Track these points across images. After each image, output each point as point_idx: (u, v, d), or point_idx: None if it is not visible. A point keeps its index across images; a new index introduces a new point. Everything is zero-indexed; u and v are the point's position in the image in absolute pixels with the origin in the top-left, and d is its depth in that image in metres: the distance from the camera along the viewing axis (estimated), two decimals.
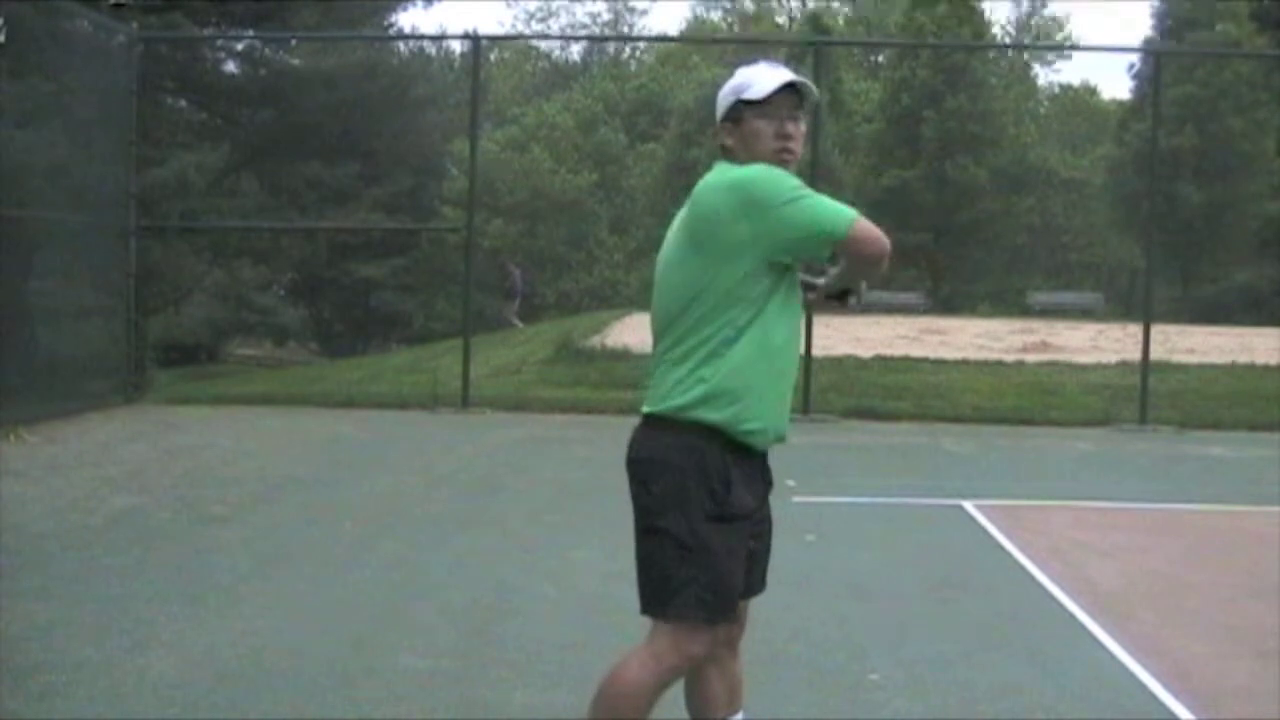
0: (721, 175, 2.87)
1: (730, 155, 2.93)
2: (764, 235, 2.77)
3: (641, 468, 2.89)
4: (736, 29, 57.16)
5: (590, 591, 5.28)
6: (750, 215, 2.77)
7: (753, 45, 34.47)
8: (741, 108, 2.90)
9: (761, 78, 2.90)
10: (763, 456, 2.94)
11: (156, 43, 14.05)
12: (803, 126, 2.93)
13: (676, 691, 3.02)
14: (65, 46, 11.19)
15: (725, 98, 2.94)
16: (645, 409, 2.93)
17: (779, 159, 2.87)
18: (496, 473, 8.41)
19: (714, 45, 48.41)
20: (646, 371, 3.02)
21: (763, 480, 2.97)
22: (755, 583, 3.03)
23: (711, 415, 2.82)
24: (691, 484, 2.81)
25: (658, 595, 2.86)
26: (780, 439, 2.93)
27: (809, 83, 2.93)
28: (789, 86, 2.88)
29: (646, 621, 2.91)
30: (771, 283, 2.83)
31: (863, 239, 2.76)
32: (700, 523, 2.81)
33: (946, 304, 33.30)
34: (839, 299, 3.01)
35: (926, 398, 12.18)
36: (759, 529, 2.98)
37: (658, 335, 2.94)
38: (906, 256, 32.29)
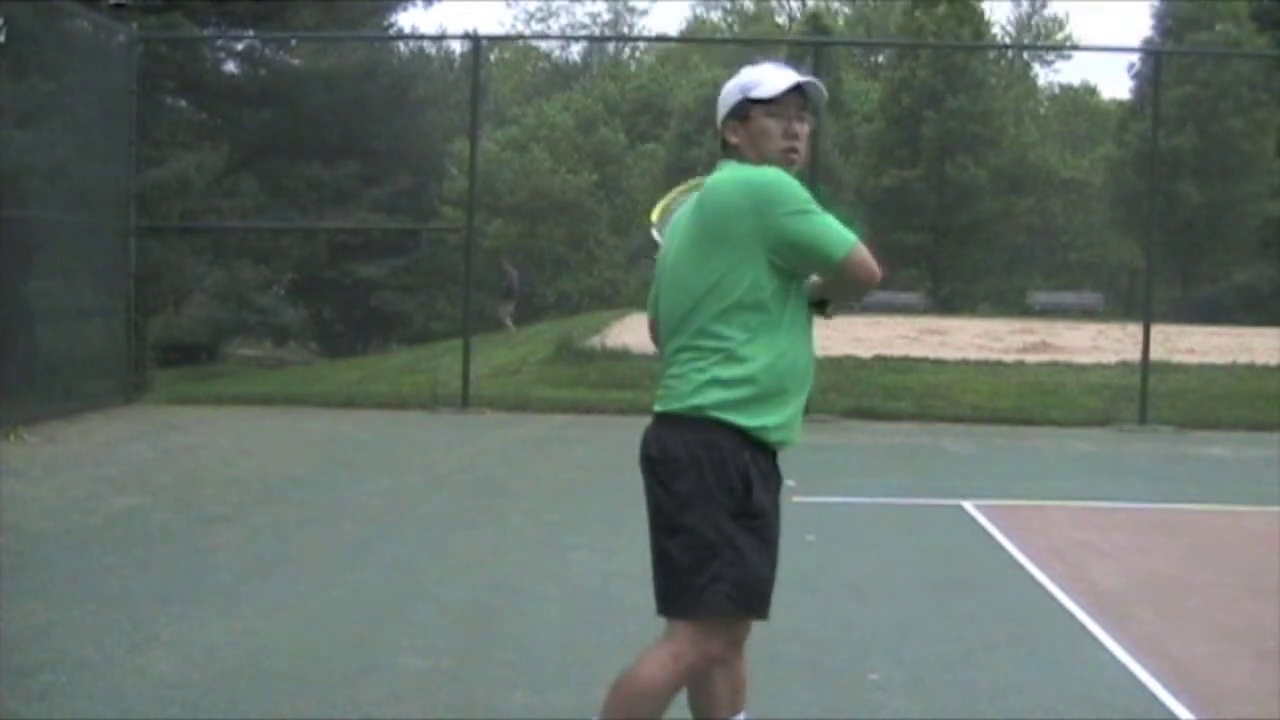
0: (736, 172, 2.87)
1: (735, 153, 2.94)
2: (766, 235, 2.78)
3: (661, 467, 2.88)
4: (736, 29, 57.14)
5: (590, 591, 5.28)
6: (756, 214, 2.78)
7: (753, 45, 34.49)
8: (749, 105, 2.91)
9: (770, 77, 2.91)
10: (773, 456, 2.94)
11: (156, 43, 14.03)
12: (808, 128, 2.94)
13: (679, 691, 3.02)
14: (65, 46, 11.18)
15: (731, 95, 2.95)
16: (659, 408, 2.92)
17: (785, 158, 2.89)
18: (496, 473, 8.41)
19: (714, 45, 48.44)
20: (659, 370, 3.00)
21: (775, 479, 2.97)
22: None
23: (731, 415, 2.82)
24: (713, 482, 2.81)
25: (681, 595, 2.84)
26: (795, 440, 2.93)
27: (819, 84, 2.95)
28: (796, 88, 2.89)
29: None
30: (782, 286, 2.84)
31: (857, 265, 2.80)
32: (724, 520, 2.81)
33: (946, 304, 33.33)
34: (817, 306, 3.01)
35: (926, 398, 12.19)
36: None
37: (669, 333, 2.94)
38: (907, 256, 32.34)
